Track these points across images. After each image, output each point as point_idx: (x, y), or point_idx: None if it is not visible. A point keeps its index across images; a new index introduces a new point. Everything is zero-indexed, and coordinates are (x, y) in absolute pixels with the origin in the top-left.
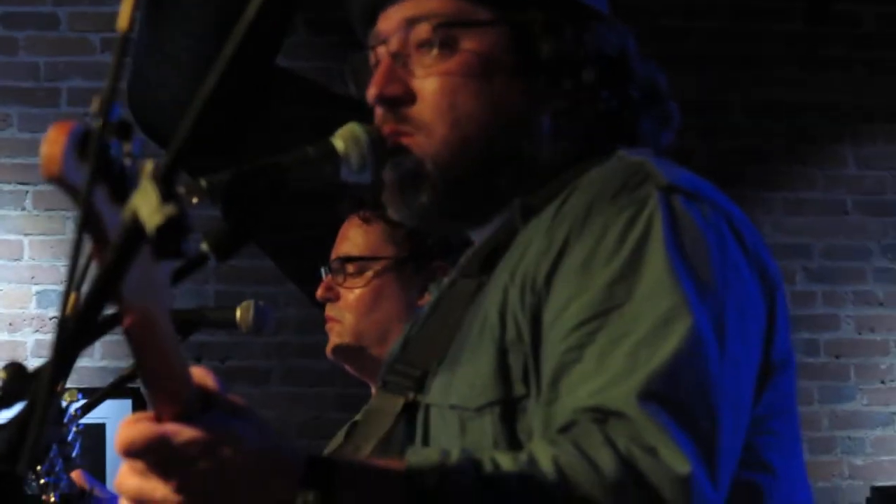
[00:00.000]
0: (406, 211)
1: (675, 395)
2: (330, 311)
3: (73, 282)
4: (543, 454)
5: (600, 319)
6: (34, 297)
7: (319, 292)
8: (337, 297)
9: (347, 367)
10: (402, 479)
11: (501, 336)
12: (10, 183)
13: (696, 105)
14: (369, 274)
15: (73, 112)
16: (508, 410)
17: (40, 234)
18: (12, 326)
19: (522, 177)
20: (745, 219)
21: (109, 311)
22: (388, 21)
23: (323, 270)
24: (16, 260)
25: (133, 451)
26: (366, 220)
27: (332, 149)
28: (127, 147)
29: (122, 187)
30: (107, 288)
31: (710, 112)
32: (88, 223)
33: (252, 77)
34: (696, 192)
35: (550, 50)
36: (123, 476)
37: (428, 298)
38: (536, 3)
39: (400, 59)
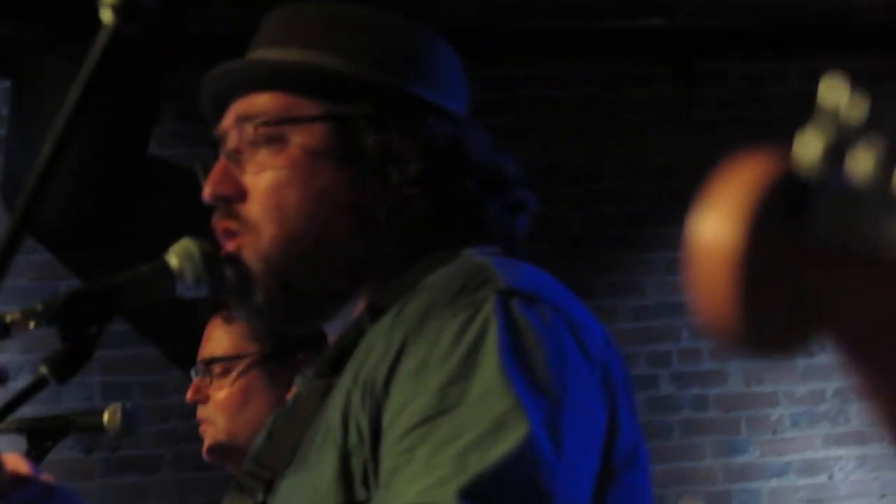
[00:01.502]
0: (245, 313)
1: (501, 497)
2: (201, 412)
3: None
4: None
5: (431, 423)
6: None
7: (189, 395)
8: (206, 399)
9: (226, 466)
10: None
11: (344, 440)
12: None
13: (569, 173)
14: (235, 374)
15: None
16: None
17: None
18: None
19: (360, 272)
20: (589, 321)
21: None
22: (226, 119)
23: (192, 372)
24: None
25: None
26: (227, 321)
27: (166, 266)
28: None
29: None
30: None
31: (583, 179)
32: None
33: (124, 167)
34: (537, 296)
35: (376, 142)
36: None
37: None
38: (365, 96)
39: (235, 156)
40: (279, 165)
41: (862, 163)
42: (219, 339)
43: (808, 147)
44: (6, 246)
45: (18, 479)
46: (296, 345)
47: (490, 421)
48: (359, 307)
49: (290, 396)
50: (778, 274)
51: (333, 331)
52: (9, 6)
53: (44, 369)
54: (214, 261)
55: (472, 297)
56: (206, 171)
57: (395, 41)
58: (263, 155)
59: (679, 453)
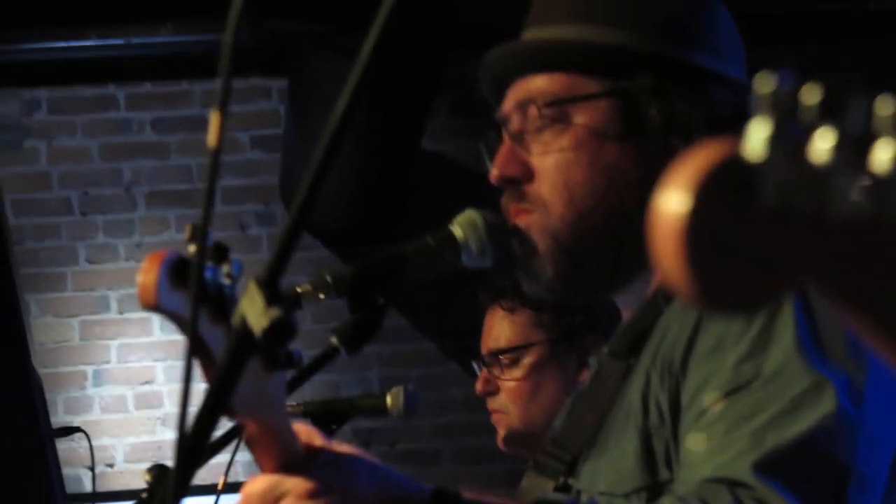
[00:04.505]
0: (535, 286)
1: (798, 473)
2: (492, 404)
3: (186, 402)
4: None
5: (728, 400)
6: None
7: (479, 387)
8: (497, 390)
9: (523, 454)
10: None
11: (644, 421)
12: None
13: None
14: (525, 362)
15: (228, 210)
16: (655, 495)
17: None
18: None
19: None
20: None
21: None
22: (508, 102)
23: (476, 365)
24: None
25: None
26: (510, 310)
27: (452, 236)
28: (225, 269)
29: (221, 308)
30: (221, 396)
31: None
32: (194, 347)
33: (397, 163)
34: None
35: (660, 115)
36: None
37: (587, 373)
38: (645, 68)
39: (519, 138)
40: (565, 146)
41: (819, 143)
42: (503, 329)
43: (755, 133)
44: (285, 242)
45: (312, 453)
46: (583, 328)
47: (788, 399)
48: (653, 283)
49: (585, 377)
50: (729, 239)
51: (626, 306)
52: (281, 4)
53: (334, 340)
54: (499, 231)
55: None
56: (491, 153)
57: (672, 7)
58: (548, 135)
59: None
